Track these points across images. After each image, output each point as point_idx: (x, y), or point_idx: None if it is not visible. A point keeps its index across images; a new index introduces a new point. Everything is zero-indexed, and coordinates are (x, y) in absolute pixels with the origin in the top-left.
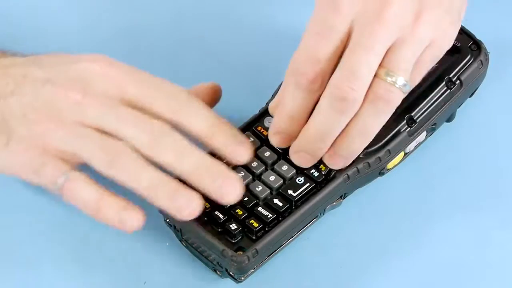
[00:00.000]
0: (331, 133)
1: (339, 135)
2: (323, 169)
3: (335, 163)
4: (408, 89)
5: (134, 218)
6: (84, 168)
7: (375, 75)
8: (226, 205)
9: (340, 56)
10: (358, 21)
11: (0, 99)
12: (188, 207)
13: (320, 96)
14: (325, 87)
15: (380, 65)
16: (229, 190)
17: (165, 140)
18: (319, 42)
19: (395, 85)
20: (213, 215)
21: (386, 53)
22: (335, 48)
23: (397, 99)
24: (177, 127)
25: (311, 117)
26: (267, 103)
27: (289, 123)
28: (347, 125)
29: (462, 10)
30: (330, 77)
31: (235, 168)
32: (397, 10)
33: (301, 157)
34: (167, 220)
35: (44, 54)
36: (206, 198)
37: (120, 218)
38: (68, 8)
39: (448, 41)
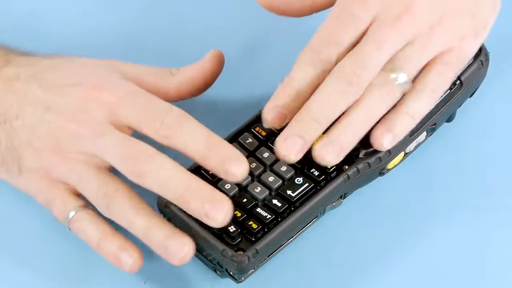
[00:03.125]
0: (330, 111)
1: (337, 122)
2: (328, 167)
3: (327, 151)
4: (408, 87)
5: (130, 259)
6: None
7: (382, 68)
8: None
9: (355, 44)
10: (379, 17)
11: (6, 122)
12: (179, 254)
13: None
14: None
15: (388, 60)
16: (217, 213)
17: (149, 168)
18: (341, 26)
19: (395, 81)
20: None
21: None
22: (354, 35)
23: (396, 93)
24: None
25: (312, 95)
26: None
27: (294, 97)
28: (349, 111)
29: (489, 20)
30: None
31: None
32: (415, 17)
33: (291, 142)
34: (167, 220)
35: (47, 58)
36: None
37: (118, 257)
38: (69, 7)
39: (464, 51)
